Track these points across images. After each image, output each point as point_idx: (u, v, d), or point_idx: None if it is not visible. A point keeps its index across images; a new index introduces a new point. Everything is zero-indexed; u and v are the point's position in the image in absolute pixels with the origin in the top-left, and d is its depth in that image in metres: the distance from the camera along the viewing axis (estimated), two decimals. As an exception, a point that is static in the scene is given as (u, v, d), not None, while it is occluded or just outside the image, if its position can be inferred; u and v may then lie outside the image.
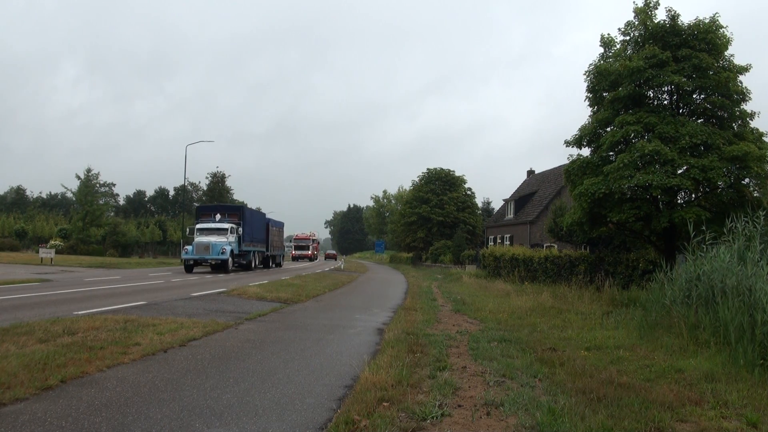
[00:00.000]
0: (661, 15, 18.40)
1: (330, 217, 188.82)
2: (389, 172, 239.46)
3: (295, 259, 70.91)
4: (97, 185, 60.14)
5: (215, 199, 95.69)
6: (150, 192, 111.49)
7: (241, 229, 32.09)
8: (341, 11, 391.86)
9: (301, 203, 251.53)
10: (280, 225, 46.00)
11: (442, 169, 66.09)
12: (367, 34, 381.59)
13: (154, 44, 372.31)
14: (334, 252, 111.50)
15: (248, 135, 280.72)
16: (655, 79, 17.39)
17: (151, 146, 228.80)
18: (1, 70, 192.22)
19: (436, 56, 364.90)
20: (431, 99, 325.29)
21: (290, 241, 74.78)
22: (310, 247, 73.03)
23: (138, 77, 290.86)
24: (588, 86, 19.66)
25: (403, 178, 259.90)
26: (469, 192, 66.52)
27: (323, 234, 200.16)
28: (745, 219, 10.68)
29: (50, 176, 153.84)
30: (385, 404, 5.29)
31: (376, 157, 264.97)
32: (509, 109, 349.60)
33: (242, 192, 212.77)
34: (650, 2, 18.35)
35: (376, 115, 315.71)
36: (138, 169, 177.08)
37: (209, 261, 30.26)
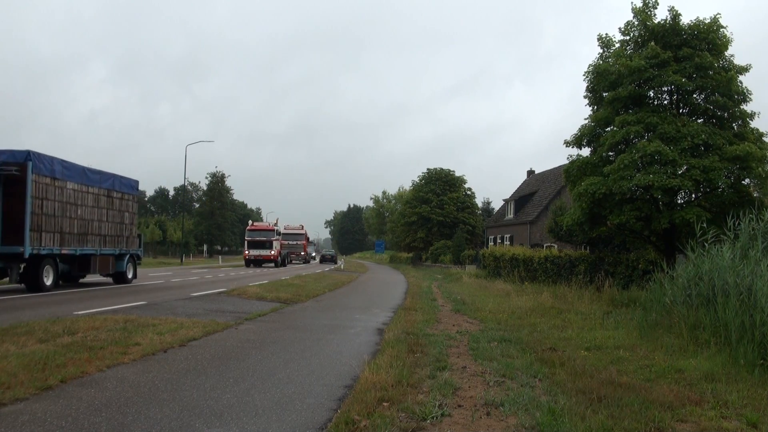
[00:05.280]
0: (660, 15, 18.41)
1: (330, 216, 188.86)
2: (403, 172, 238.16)
3: (249, 263, 46.00)
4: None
5: (215, 200, 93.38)
6: (150, 192, 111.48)
7: None
8: (380, 13, 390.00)
9: (308, 202, 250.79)
10: (123, 187, 20.73)
11: (442, 169, 66.07)
12: (401, 36, 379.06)
13: (187, 48, 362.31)
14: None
15: (267, 135, 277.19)
16: (656, 79, 17.37)
17: (171, 147, 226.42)
18: (26, 72, 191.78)
19: (465, 58, 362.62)
20: (456, 100, 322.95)
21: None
22: (273, 245, 46.49)
23: (169, 80, 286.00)
24: (587, 86, 19.68)
25: (414, 177, 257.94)
26: (469, 192, 66.55)
27: (323, 234, 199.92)
28: (750, 216, 10.65)
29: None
30: (385, 404, 5.28)
31: (391, 157, 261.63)
32: (531, 110, 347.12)
33: (249, 192, 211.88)
34: (648, 2, 18.34)
35: (398, 116, 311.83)
36: (152, 169, 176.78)
37: None
